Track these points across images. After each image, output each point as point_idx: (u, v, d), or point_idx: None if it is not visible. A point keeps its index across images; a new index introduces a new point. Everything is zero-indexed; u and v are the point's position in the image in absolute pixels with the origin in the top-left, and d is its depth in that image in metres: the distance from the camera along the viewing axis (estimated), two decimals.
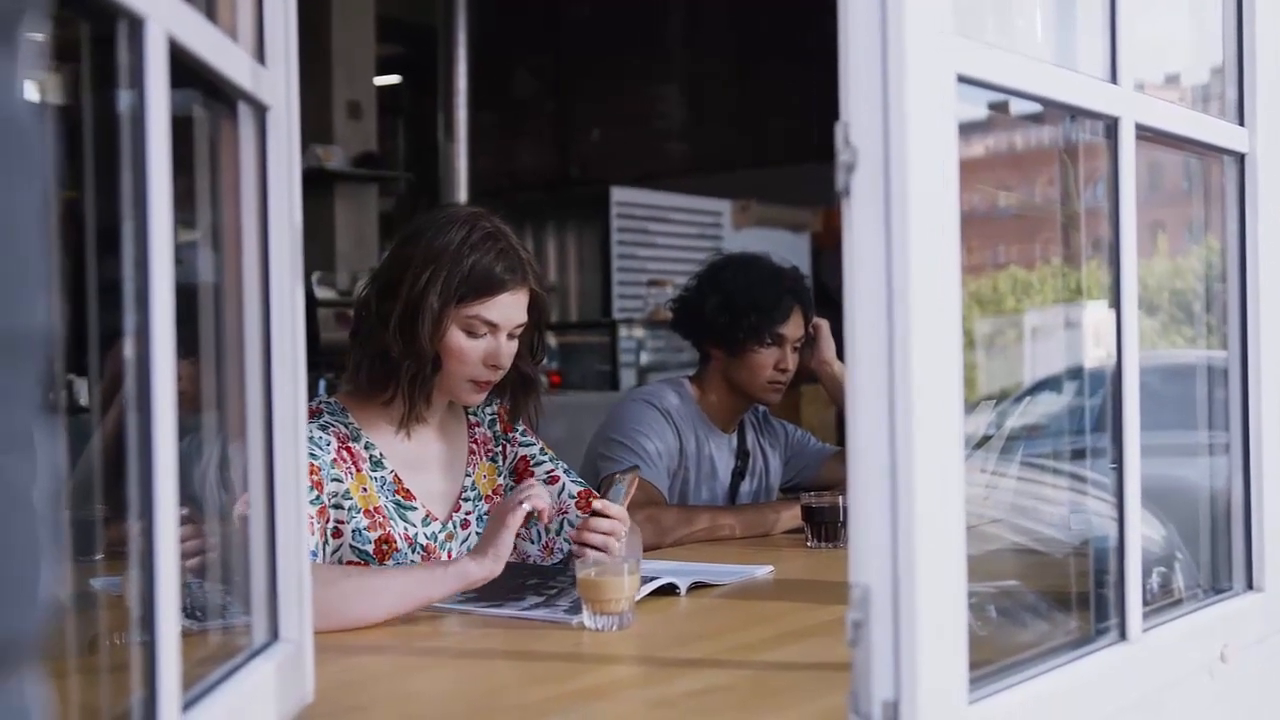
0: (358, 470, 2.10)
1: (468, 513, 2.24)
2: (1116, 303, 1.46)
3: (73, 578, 1.43)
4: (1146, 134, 1.50)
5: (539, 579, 2.06)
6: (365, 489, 2.10)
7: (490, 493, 2.28)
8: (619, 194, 7.79)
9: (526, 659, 1.68)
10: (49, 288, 0.56)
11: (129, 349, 0.96)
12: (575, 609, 1.84)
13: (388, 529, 2.09)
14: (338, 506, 2.04)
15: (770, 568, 2.29)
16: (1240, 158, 1.72)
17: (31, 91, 0.57)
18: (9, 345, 0.52)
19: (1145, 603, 1.48)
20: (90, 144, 1.03)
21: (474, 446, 2.29)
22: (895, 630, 1.12)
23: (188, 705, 1.05)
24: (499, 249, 2.11)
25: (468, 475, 2.26)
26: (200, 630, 1.36)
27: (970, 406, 1.25)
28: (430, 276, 2.06)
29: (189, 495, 1.09)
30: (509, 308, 2.12)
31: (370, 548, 2.08)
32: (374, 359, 2.12)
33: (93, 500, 1.87)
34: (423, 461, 2.20)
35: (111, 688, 1.17)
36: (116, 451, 1.04)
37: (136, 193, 0.96)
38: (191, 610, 1.29)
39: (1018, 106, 1.50)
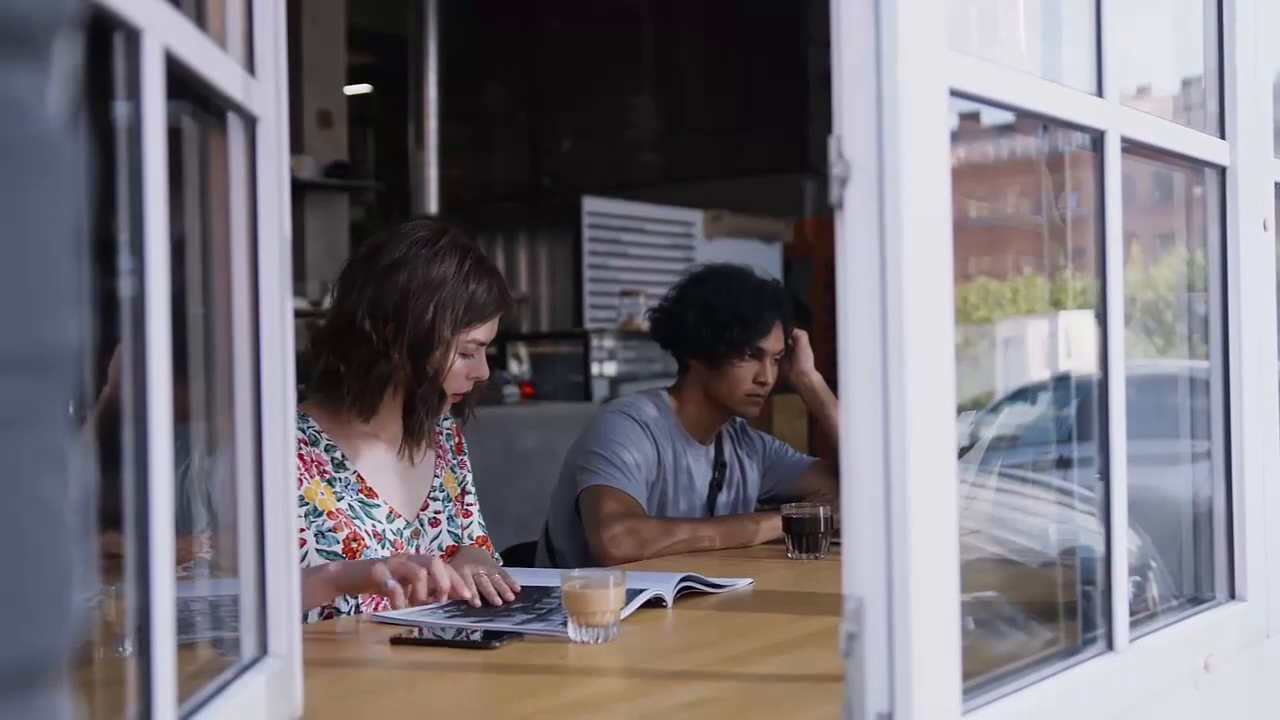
0: (314, 475, 2.16)
1: (436, 511, 2.32)
2: (1103, 313, 1.47)
3: None
4: (1131, 147, 1.51)
5: (524, 600, 2.05)
6: (323, 493, 2.15)
7: (454, 497, 2.37)
8: (590, 204, 7.78)
9: (513, 672, 1.67)
10: (80, 304, 0.55)
11: (126, 361, 0.95)
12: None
13: (354, 527, 2.15)
14: None
15: (750, 580, 2.29)
16: (1221, 170, 1.74)
17: (63, 107, 0.57)
18: (43, 362, 0.51)
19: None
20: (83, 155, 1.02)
21: (440, 451, 2.37)
22: (890, 642, 1.12)
23: None
24: (491, 274, 2.23)
25: (436, 476, 2.34)
26: (183, 644, 1.34)
27: None
28: (438, 308, 2.15)
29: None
30: (495, 326, 2.25)
31: (339, 548, 2.13)
32: (373, 383, 2.17)
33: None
34: (389, 463, 2.26)
35: (100, 703, 1.16)
36: (97, 462, 1.04)
37: (133, 204, 0.95)
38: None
39: (989, 117, 1.50)
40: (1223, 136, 1.74)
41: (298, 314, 2.18)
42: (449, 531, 2.32)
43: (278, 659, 1.31)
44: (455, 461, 2.40)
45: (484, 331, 2.22)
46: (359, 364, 2.16)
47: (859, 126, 1.13)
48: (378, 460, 2.25)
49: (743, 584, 2.27)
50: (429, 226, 2.25)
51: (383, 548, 2.18)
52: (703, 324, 2.86)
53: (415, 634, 1.84)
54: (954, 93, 1.20)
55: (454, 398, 2.24)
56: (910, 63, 1.12)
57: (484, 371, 2.25)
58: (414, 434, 2.22)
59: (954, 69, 1.19)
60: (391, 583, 1.86)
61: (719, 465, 3.03)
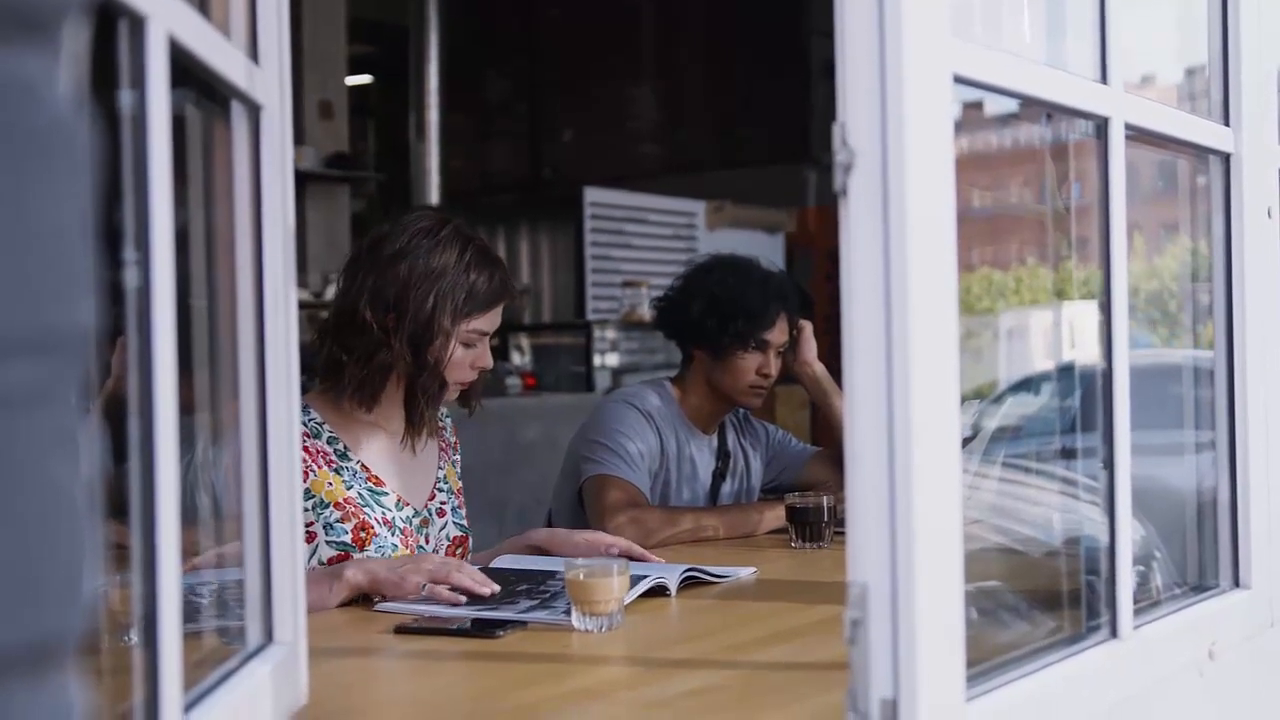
0: (322, 466, 2.17)
1: (442, 503, 2.34)
2: (1107, 302, 1.47)
3: None
4: (1135, 134, 1.51)
5: (529, 584, 2.06)
6: (331, 483, 2.16)
7: (455, 491, 2.39)
8: (592, 195, 7.76)
9: (517, 661, 1.67)
10: (92, 287, 0.55)
11: (131, 352, 0.95)
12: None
13: (362, 516, 2.16)
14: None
15: (754, 569, 2.29)
16: (1226, 158, 1.73)
17: (72, 91, 0.57)
18: (55, 344, 0.51)
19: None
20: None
21: (442, 444, 2.39)
22: (894, 628, 1.12)
23: (187, 708, 1.04)
24: (492, 263, 2.23)
25: (440, 468, 2.35)
26: (188, 632, 1.35)
27: None
28: (438, 298, 2.16)
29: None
30: (498, 316, 2.25)
31: (348, 538, 2.14)
32: (374, 372, 2.18)
33: None
34: (393, 453, 2.27)
35: (105, 691, 1.16)
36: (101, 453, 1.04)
37: (138, 193, 0.95)
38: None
39: (992, 106, 1.50)
40: (1227, 124, 1.74)
41: (299, 305, 2.18)
42: (454, 523, 2.33)
43: (283, 647, 1.32)
44: (454, 458, 2.42)
45: (486, 321, 2.23)
46: (360, 354, 2.17)
47: (863, 113, 1.13)
48: (381, 450, 2.26)
49: (746, 573, 2.27)
50: (431, 217, 2.25)
51: (393, 535, 2.18)
52: (708, 315, 2.86)
53: (419, 623, 1.84)
54: (958, 79, 1.20)
55: (460, 386, 2.25)
56: (914, 49, 1.12)
57: (488, 361, 2.26)
58: (415, 423, 2.23)
59: (958, 56, 1.19)
60: (429, 585, 1.94)
61: (723, 455, 3.03)
